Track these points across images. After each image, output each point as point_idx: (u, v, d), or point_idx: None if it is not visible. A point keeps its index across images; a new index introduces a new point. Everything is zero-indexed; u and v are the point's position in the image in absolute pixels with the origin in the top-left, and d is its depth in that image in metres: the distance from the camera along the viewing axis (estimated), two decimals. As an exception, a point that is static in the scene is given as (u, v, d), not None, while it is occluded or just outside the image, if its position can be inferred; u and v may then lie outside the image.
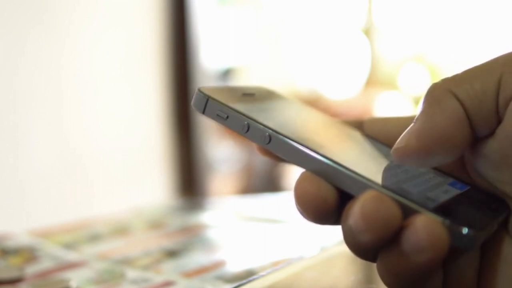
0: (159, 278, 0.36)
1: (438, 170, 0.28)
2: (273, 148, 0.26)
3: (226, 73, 2.62)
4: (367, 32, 2.95)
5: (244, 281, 0.34)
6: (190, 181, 1.61)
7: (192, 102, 0.28)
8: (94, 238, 0.46)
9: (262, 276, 0.35)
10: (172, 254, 0.41)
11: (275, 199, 0.61)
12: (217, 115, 0.27)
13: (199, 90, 0.28)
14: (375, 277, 0.28)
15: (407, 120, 0.26)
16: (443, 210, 0.23)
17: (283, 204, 0.58)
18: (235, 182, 2.30)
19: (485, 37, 2.61)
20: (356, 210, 0.23)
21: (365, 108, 2.45)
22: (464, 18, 2.72)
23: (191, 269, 0.38)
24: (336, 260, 0.38)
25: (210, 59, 1.73)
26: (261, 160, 2.10)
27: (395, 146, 0.25)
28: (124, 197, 1.39)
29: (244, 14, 2.77)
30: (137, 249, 0.42)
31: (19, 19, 1.18)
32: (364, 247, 0.23)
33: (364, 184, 0.24)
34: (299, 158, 0.26)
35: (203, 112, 0.28)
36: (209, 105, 0.27)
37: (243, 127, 0.27)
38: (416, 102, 2.55)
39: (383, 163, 0.27)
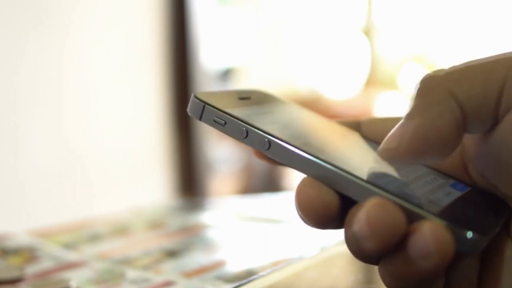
0: (159, 278, 0.36)
1: (438, 170, 0.28)
2: (272, 154, 0.26)
3: (226, 73, 2.62)
4: (367, 32, 2.94)
5: (244, 281, 0.34)
6: (190, 181, 1.60)
7: (188, 108, 0.28)
8: (94, 238, 0.46)
9: (262, 276, 0.35)
10: (172, 254, 0.41)
11: (275, 199, 0.61)
12: (214, 121, 0.27)
13: (195, 96, 0.27)
14: (375, 277, 0.28)
15: None
16: (447, 214, 0.23)
17: (283, 204, 0.57)
18: (235, 182, 2.30)
19: (485, 37, 2.61)
20: (361, 217, 0.22)
21: (365, 108, 2.45)
22: (464, 18, 2.72)
23: (191, 269, 0.38)
24: (336, 260, 0.38)
25: (210, 59, 1.73)
26: (261, 160, 2.09)
27: (384, 145, 0.24)
28: (124, 197, 1.39)
29: (244, 14, 2.76)
30: (137, 249, 0.42)
31: (19, 19, 1.18)
32: (368, 253, 0.23)
33: (367, 189, 0.24)
34: (300, 164, 0.25)
35: (200, 119, 0.27)
36: (205, 111, 0.27)
37: (242, 133, 0.26)
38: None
39: (383, 165, 0.27)
